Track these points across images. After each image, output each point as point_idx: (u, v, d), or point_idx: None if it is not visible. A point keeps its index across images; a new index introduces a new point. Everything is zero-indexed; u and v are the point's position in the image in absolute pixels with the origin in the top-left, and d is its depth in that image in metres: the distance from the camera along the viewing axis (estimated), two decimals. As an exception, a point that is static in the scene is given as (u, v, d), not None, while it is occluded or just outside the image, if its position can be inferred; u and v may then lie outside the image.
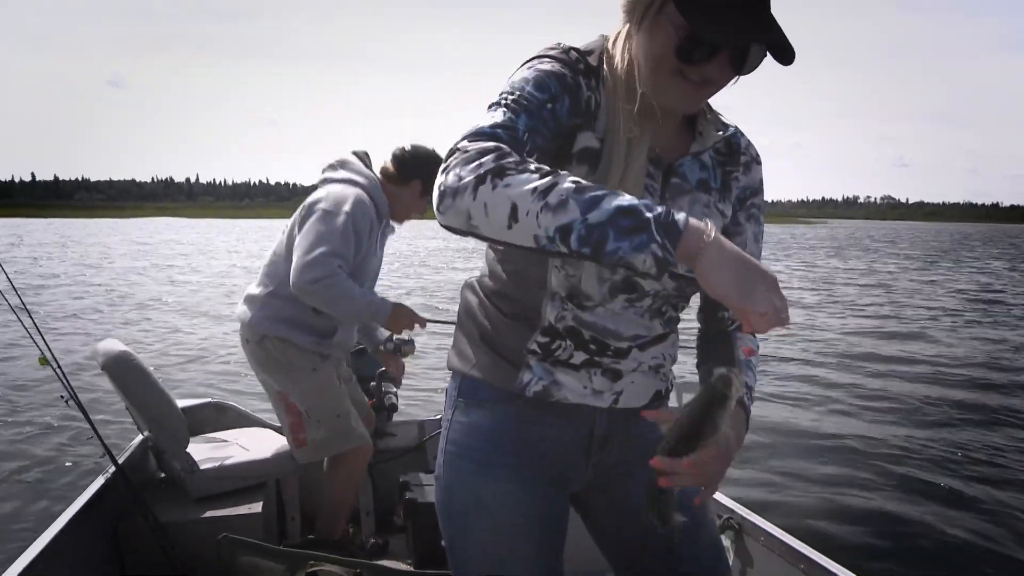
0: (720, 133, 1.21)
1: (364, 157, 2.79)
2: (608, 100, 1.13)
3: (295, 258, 2.48)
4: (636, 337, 1.21)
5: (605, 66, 1.14)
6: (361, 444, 2.72)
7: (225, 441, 2.95)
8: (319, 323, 2.64)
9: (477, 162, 0.93)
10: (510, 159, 0.93)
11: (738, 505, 2.38)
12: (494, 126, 1.00)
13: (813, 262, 29.01)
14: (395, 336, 2.86)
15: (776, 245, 43.42)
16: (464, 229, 0.94)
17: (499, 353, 1.22)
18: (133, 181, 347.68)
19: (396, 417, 3.65)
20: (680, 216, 0.90)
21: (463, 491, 1.23)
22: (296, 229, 2.58)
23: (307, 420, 2.67)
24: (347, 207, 2.54)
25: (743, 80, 1.08)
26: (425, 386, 6.72)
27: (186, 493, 2.56)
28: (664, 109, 1.12)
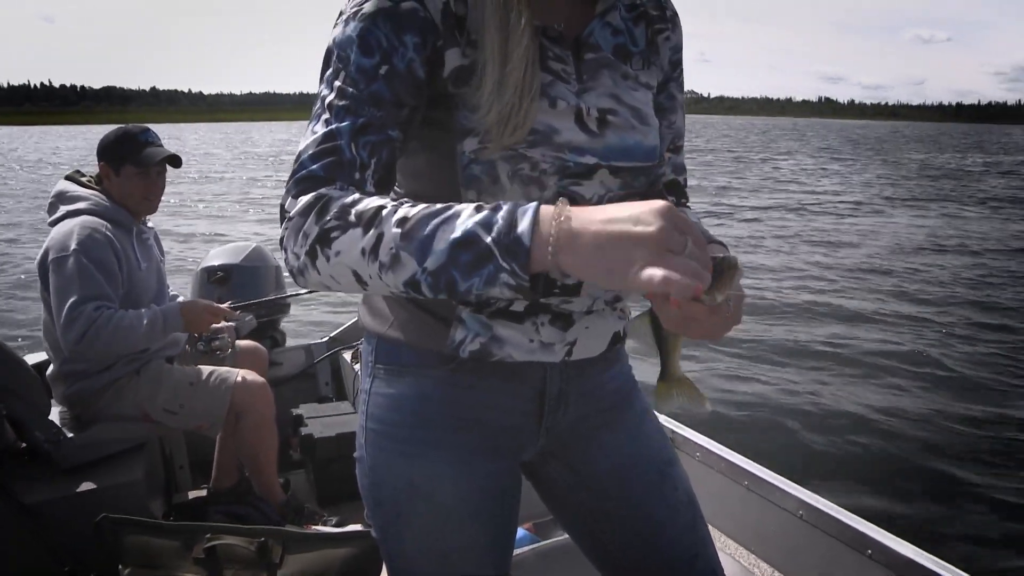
0: None
1: (76, 177, 2.49)
2: None
3: (56, 324, 2.24)
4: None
5: None
6: (242, 394, 2.50)
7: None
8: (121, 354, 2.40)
9: (302, 232, 0.81)
10: (330, 214, 0.80)
11: (668, 419, 2.32)
12: (315, 155, 0.85)
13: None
14: (204, 335, 2.63)
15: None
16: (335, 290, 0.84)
17: (422, 307, 1.00)
18: None
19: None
20: (524, 225, 0.72)
21: (391, 476, 1.03)
22: (44, 292, 2.31)
23: (174, 416, 2.46)
24: (72, 244, 2.25)
25: None
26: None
27: (53, 466, 2.29)
28: None
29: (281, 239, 0.84)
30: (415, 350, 1.01)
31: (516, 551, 1.77)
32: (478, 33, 0.89)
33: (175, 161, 2.53)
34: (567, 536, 1.25)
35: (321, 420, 2.87)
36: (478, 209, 0.76)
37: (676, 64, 1.09)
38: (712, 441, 2.26)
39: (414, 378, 1.02)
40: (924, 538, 3.15)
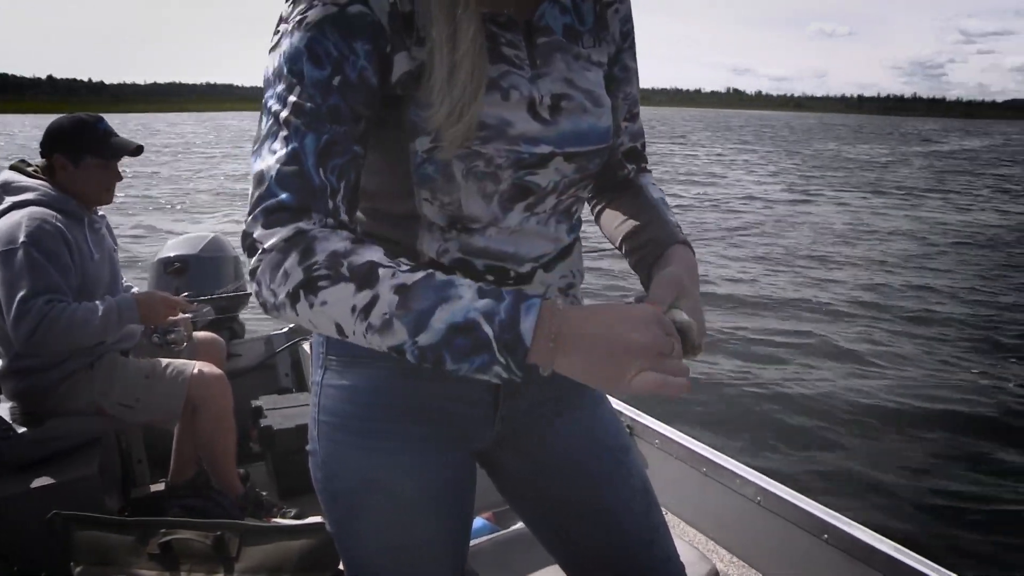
0: None
1: (21, 167, 2.41)
2: None
3: (6, 319, 2.18)
4: (540, 256, 1.00)
5: None
6: (198, 386, 2.47)
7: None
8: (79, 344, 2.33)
9: (283, 270, 0.78)
10: (318, 260, 0.77)
11: (626, 406, 2.32)
12: (281, 180, 0.80)
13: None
14: (160, 328, 2.58)
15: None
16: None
17: None
18: None
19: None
20: (527, 323, 0.73)
21: (346, 469, 1.02)
22: None
23: (129, 410, 2.42)
24: (21, 236, 2.18)
25: None
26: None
27: (2, 464, 2.23)
28: None
29: (253, 271, 0.80)
30: None
31: (474, 541, 1.78)
32: (425, 29, 0.86)
33: (139, 151, 2.49)
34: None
35: (281, 412, 2.84)
36: (481, 293, 0.75)
37: (627, 35, 1.08)
38: (670, 428, 2.28)
39: (367, 369, 1.00)
40: (878, 522, 3.24)
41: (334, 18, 0.83)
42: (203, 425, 2.48)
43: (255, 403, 2.93)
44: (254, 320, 4.42)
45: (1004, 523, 3.69)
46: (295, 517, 2.50)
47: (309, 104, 0.82)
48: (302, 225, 0.79)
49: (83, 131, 2.40)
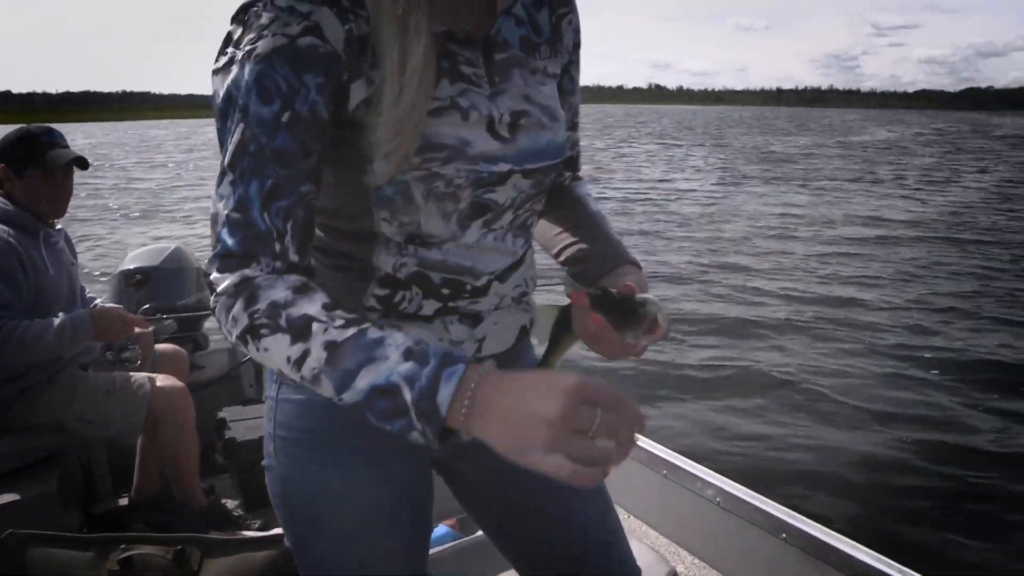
0: None
1: None
2: None
3: None
4: (496, 269, 1.01)
5: None
6: (159, 400, 2.44)
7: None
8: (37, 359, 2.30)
9: (232, 315, 0.81)
10: (260, 308, 0.80)
11: None
12: (229, 226, 0.83)
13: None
14: (115, 344, 2.53)
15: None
16: None
17: None
18: None
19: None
20: (445, 392, 0.72)
21: (305, 483, 1.02)
22: None
23: (89, 425, 2.38)
24: None
25: None
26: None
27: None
28: None
29: (213, 308, 0.84)
30: None
31: (436, 548, 1.79)
32: (379, 49, 0.86)
33: (82, 163, 2.45)
34: None
35: (245, 423, 2.82)
36: (407, 355, 0.74)
37: (577, 45, 1.09)
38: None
39: None
40: (836, 519, 3.30)
41: (284, 50, 0.82)
42: (165, 439, 2.46)
43: (219, 415, 2.90)
44: (219, 331, 4.40)
45: (958, 519, 3.77)
46: (260, 529, 2.49)
47: (253, 146, 0.82)
48: (247, 272, 0.82)
49: (25, 142, 2.36)
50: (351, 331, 0.77)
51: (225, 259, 0.83)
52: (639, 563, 1.18)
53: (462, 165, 0.91)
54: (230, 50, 0.84)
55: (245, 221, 0.82)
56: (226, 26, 0.87)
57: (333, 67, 0.84)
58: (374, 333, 0.76)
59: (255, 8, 0.83)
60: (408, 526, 1.07)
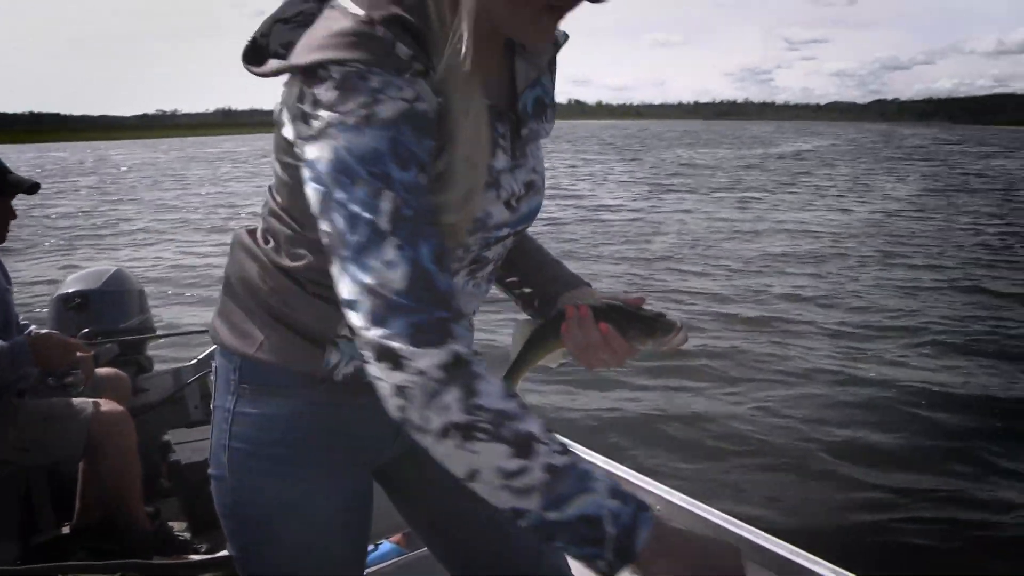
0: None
1: None
2: (447, 71, 0.85)
3: None
4: (473, 311, 1.09)
5: (437, 24, 0.85)
6: (99, 425, 2.41)
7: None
8: None
9: (440, 403, 0.76)
10: (483, 408, 0.76)
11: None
12: (414, 294, 0.78)
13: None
14: (57, 371, 2.49)
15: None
16: None
17: (296, 331, 1.00)
18: None
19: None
20: (642, 535, 0.77)
21: (261, 496, 1.04)
22: None
23: (27, 454, 2.35)
24: None
25: None
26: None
27: None
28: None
29: (402, 388, 0.77)
30: (286, 372, 1.01)
31: (381, 564, 1.80)
32: (450, 121, 0.87)
33: (33, 189, 2.42)
34: None
35: (190, 445, 2.79)
36: (613, 492, 0.78)
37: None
38: (568, 440, 2.32)
39: (284, 399, 1.03)
40: (775, 523, 3.38)
41: (407, 115, 0.80)
42: (107, 464, 2.43)
43: (164, 438, 2.87)
44: (163, 353, 4.31)
45: (897, 521, 3.88)
46: (207, 552, 2.47)
47: (407, 210, 0.79)
48: (457, 349, 0.78)
49: None
50: (566, 458, 0.78)
51: (422, 331, 0.77)
52: (573, 572, 1.20)
53: (482, 234, 0.97)
54: (325, 114, 0.80)
55: (430, 285, 0.79)
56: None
57: (434, 134, 0.85)
58: (583, 464, 0.79)
59: (346, 69, 0.80)
60: (357, 534, 1.12)
